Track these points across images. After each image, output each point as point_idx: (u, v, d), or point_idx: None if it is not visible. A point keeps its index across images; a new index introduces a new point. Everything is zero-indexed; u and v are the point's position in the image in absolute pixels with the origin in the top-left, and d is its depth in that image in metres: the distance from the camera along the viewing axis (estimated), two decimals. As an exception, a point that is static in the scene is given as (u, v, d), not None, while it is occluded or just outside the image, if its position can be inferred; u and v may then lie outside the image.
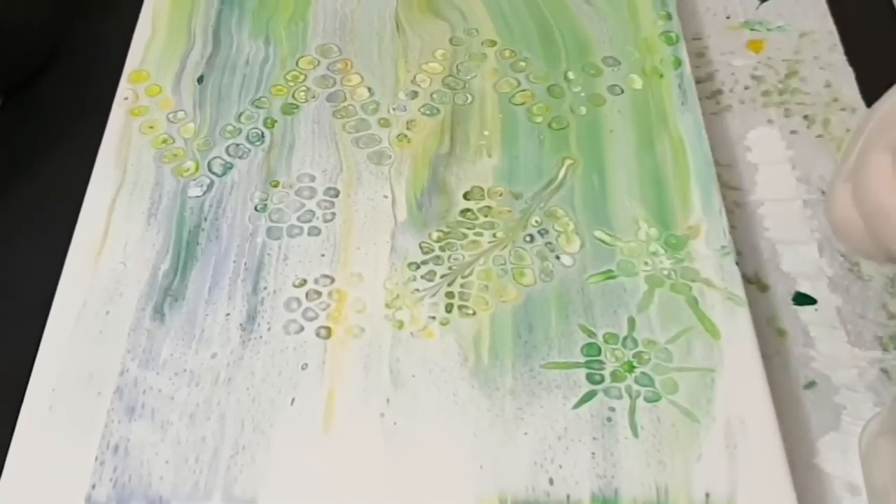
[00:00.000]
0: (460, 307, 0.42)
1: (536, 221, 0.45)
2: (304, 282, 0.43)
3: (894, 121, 0.32)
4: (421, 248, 0.44)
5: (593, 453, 0.38)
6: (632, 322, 0.41)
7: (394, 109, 0.49)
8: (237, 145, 0.48)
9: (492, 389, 0.40)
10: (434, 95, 0.50)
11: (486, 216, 0.45)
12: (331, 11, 0.54)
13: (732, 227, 0.47)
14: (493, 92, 0.50)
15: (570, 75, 0.51)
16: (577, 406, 0.39)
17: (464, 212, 0.45)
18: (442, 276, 0.43)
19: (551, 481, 0.37)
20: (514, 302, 0.42)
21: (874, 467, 0.39)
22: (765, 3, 0.58)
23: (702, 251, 0.43)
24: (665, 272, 0.43)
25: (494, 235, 0.44)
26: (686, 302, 0.42)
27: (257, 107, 0.50)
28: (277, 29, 0.53)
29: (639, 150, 0.47)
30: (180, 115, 0.49)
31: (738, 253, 0.45)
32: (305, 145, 0.48)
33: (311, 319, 0.42)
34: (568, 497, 0.37)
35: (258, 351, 0.41)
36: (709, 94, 0.54)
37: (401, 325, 0.41)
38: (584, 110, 0.49)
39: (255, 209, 0.46)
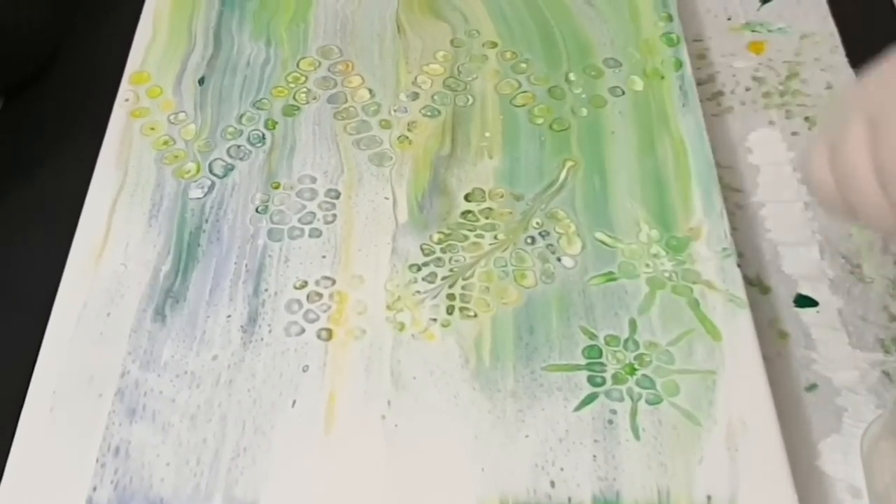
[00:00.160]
0: (461, 309, 0.42)
1: (537, 223, 0.45)
2: (305, 283, 0.43)
3: (874, 94, 0.34)
4: (422, 249, 0.44)
5: (594, 456, 0.38)
6: (633, 324, 0.41)
7: (395, 111, 0.49)
8: (238, 147, 0.48)
9: (493, 391, 0.40)
10: (435, 97, 0.50)
11: (487, 218, 0.45)
12: (332, 13, 0.54)
13: (734, 228, 0.47)
14: (494, 93, 0.50)
15: (571, 77, 0.51)
16: (578, 408, 0.39)
17: (465, 213, 0.45)
18: (443, 278, 0.43)
19: (552, 483, 0.37)
20: (515, 304, 0.42)
21: (876, 469, 0.39)
22: (766, 5, 0.58)
23: (703, 253, 0.43)
24: (666, 274, 0.43)
25: (495, 237, 0.44)
26: (687, 304, 0.42)
27: (258, 108, 0.50)
28: (278, 30, 0.53)
29: (640, 152, 0.47)
30: (181, 116, 0.49)
31: (740, 255, 0.45)
32: (306, 147, 0.48)
33: (312, 321, 0.42)
34: (569, 499, 0.37)
35: (259, 353, 0.41)
36: (710, 95, 0.54)
37: (402, 326, 0.41)
38: (585, 112, 0.49)
39: (256, 211, 0.46)
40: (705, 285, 0.42)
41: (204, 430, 0.39)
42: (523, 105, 0.50)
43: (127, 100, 0.50)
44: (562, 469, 0.38)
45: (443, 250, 0.44)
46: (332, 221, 0.45)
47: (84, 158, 0.48)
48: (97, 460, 0.38)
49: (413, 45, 0.53)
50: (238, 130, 0.49)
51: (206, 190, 0.46)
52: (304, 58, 0.52)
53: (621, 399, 0.39)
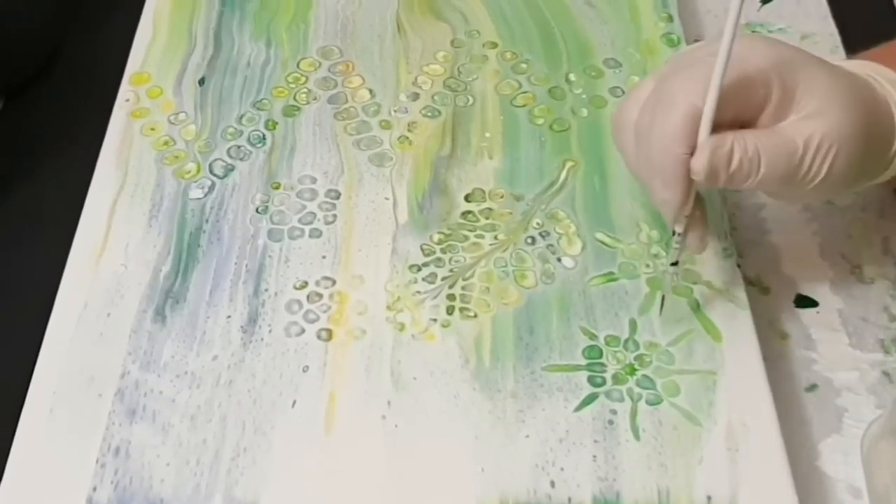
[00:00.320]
0: (461, 309, 0.42)
1: (538, 223, 0.45)
2: (306, 284, 0.43)
3: (680, 59, 0.38)
4: (422, 250, 0.44)
5: (595, 456, 0.38)
6: (633, 324, 0.41)
7: (395, 111, 0.49)
8: (238, 147, 0.48)
9: (493, 392, 0.40)
10: (435, 97, 0.50)
11: (487, 218, 0.45)
12: (332, 13, 0.54)
13: (734, 229, 0.47)
14: (495, 94, 0.50)
15: (572, 77, 0.51)
16: (578, 409, 0.39)
17: (465, 214, 0.45)
18: (443, 279, 0.43)
19: (553, 484, 0.37)
20: (515, 304, 0.42)
21: (876, 470, 0.39)
22: (766, 5, 0.58)
23: (703, 253, 0.43)
24: (665, 274, 0.43)
25: (496, 237, 0.44)
26: (688, 304, 0.42)
27: (258, 109, 0.50)
28: (278, 31, 0.53)
29: (640, 153, 0.47)
30: (181, 116, 0.49)
31: (740, 255, 0.45)
32: (307, 147, 0.48)
33: (313, 321, 0.42)
34: (569, 500, 0.37)
35: (259, 353, 0.41)
36: (710, 96, 0.54)
37: (402, 327, 0.41)
38: (585, 112, 0.49)
39: (257, 211, 0.46)
40: (706, 286, 0.42)
41: (204, 430, 0.39)
42: (523, 105, 0.50)
43: (127, 100, 0.50)
44: (562, 469, 0.38)
45: (443, 251, 0.44)
46: (333, 222, 0.45)
47: (84, 159, 0.48)
48: (97, 461, 0.38)
49: (413, 45, 0.53)
50: (238, 131, 0.49)
51: (206, 190, 0.46)
52: (304, 58, 0.52)
53: (621, 399, 0.39)
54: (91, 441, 0.38)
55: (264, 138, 0.48)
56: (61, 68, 0.56)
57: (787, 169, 0.36)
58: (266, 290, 0.43)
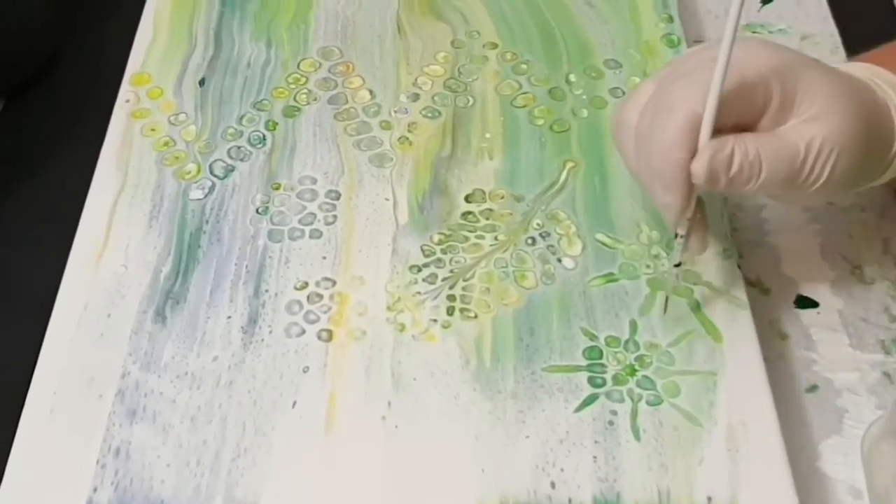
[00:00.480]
0: (462, 310, 0.42)
1: (538, 224, 0.45)
2: (306, 284, 0.43)
3: (680, 64, 0.38)
4: (422, 250, 0.44)
5: (595, 457, 0.38)
6: (633, 325, 0.41)
7: (395, 112, 0.49)
8: (238, 148, 0.48)
9: (493, 392, 0.40)
10: (435, 98, 0.50)
11: (487, 219, 0.45)
12: (332, 14, 0.54)
13: (734, 229, 0.47)
14: (495, 94, 0.50)
15: (572, 78, 0.51)
16: (578, 409, 0.39)
17: (465, 214, 0.45)
18: (443, 279, 0.43)
19: (553, 485, 0.37)
20: (515, 305, 0.42)
21: (876, 470, 0.39)
22: (767, 6, 0.58)
23: (704, 254, 0.43)
24: (667, 275, 0.43)
25: (496, 238, 0.44)
26: (688, 305, 0.42)
27: (259, 109, 0.50)
28: (279, 31, 0.53)
29: (640, 153, 0.47)
30: (182, 117, 0.49)
31: (740, 256, 0.45)
32: (307, 148, 0.48)
33: (313, 322, 0.42)
34: (570, 500, 0.37)
35: (259, 354, 0.41)
36: (710, 96, 0.54)
37: (402, 327, 0.41)
38: (585, 113, 0.49)
39: (257, 212, 0.46)
40: (706, 286, 0.42)
41: (204, 431, 0.39)
42: (524, 106, 0.50)
43: (128, 101, 0.50)
44: (562, 470, 0.38)
45: (443, 251, 0.44)
46: (333, 222, 0.45)
47: (85, 159, 0.48)
48: (97, 461, 0.38)
49: (413, 46, 0.53)
50: (238, 131, 0.49)
51: (206, 191, 0.46)
52: (304, 59, 0.52)
53: (622, 400, 0.39)
54: (91, 442, 0.38)
55: (264, 139, 0.48)
56: (62, 69, 0.57)
57: (788, 172, 0.36)
58: (266, 290, 0.43)
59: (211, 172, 0.47)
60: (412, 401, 0.39)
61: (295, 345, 0.41)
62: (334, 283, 0.43)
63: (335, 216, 0.45)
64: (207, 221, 0.45)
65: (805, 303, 0.45)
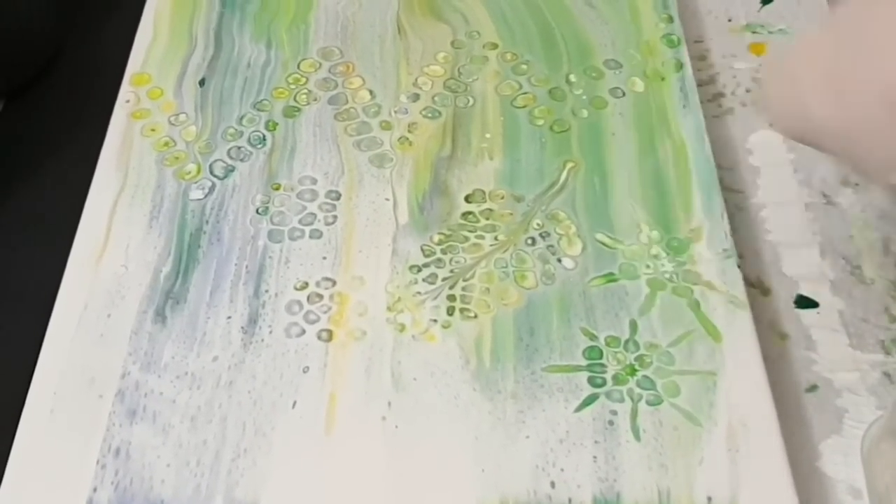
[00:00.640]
0: (462, 310, 0.42)
1: (538, 224, 0.45)
2: (306, 285, 0.43)
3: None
4: (422, 250, 0.44)
5: (595, 457, 0.38)
6: (633, 325, 0.41)
7: (395, 112, 0.49)
8: (239, 148, 0.48)
9: (493, 392, 0.40)
10: (436, 98, 0.50)
11: (487, 219, 0.45)
12: (332, 14, 0.54)
13: (734, 230, 0.47)
14: (495, 95, 0.50)
15: (572, 78, 0.51)
16: (578, 409, 0.39)
17: (465, 214, 0.45)
18: (443, 279, 0.43)
19: (553, 484, 0.37)
20: (515, 305, 0.42)
21: (876, 470, 0.39)
22: (766, 6, 0.58)
23: (704, 254, 0.43)
24: (667, 275, 0.43)
25: (496, 238, 0.44)
26: (688, 305, 0.42)
27: (259, 109, 0.50)
28: (279, 32, 0.53)
29: (640, 153, 0.47)
30: (182, 117, 0.49)
31: (740, 256, 0.45)
32: (307, 148, 0.48)
33: (313, 322, 0.42)
34: (570, 500, 0.37)
35: (259, 354, 0.41)
36: (710, 97, 0.54)
37: (402, 328, 0.41)
38: (585, 113, 0.49)
39: (257, 212, 0.46)
40: (706, 286, 0.42)
41: (204, 431, 0.39)
42: (524, 106, 0.50)
43: (128, 101, 0.50)
44: (562, 470, 0.38)
45: (443, 251, 0.44)
46: (333, 223, 0.45)
47: (85, 160, 0.48)
48: (98, 461, 0.38)
49: (414, 46, 0.53)
50: (239, 132, 0.49)
51: (206, 191, 0.46)
52: (304, 59, 0.52)
53: (622, 400, 0.39)
54: (91, 442, 0.38)
55: (264, 139, 0.48)
56: (62, 69, 0.57)
57: None
58: (266, 290, 0.43)
59: (211, 173, 0.47)
60: (412, 401, 0.39)
61: (295, 345, 0.41)
62: (334, 283, 0.43)
63: (335, 216, 0.45)
64: (207, 222, 0.45)
65: (805, 303, 0.45)
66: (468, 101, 0.50)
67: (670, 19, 0.53)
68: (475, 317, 0.42)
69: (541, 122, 0.49)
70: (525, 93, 0.50)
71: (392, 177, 0.47)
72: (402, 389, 0.40)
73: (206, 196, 0.46)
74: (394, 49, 0.52)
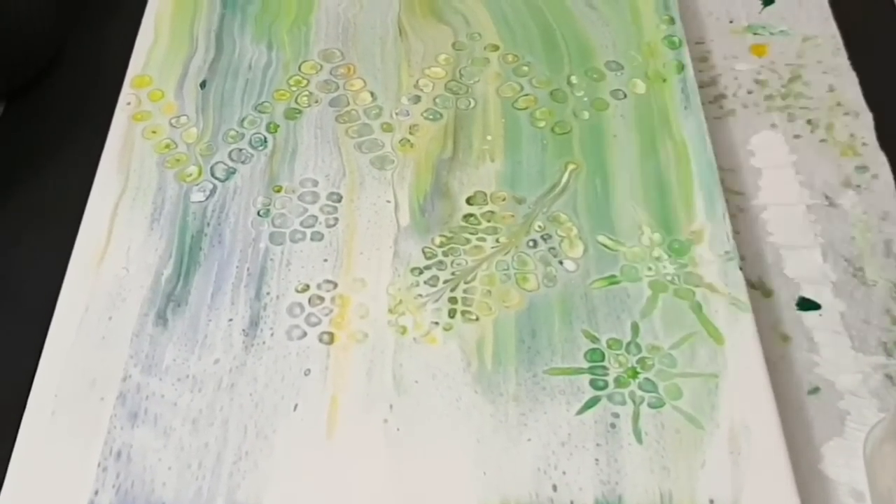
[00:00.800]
0: (463, 312, 0.42)
1: (539, 226, 0.45)
2: (307, 287, 0.43)
3: None
4: (424, 253, 0.44)
5: (597, 459, 0.38)
6: (635, 327, 0.41)
7: (396, 114, 0.49)
8: (240, 150, 0.48)
9: (495, 395, 0.40)
10: (437, 100, 0.50)
11: (489, 221, 0.45)
12: (333, 16, 0.54)
13: (736, 231, 0.47)
14: (496, 96, 0.50)
15: (573, 80, 0.51)
16: (580, 412, 0.39)
17: (467, 217, 0.45)
18: (445, 282, 0.43)
19: (555, 487, 0.37)
20: (517, 307, 0.42)
21: (878, 473, 0.39)
22: (768, 7, 0.58)
23: (705, 256, 0.43)
24: (669, 277, 0.43)
25: (497, 240, 0.44)
26: (690, 307, 0.42)
27: (260, 111, 0.50)
28: (280, 33, 0.53)
29: (642, 155, 0.47)
30: (183, 119, 0.49)
31: (742, 258, 0.45)
32: (308, 150, 0.48)
33: (314, 325, 0.42)
34: (571, 503, 0.37)
35: (261, 356, 0.41)
36: (712, 98, 0.54)
37: (404, 330, 0.41)
38: (587, 115, 0.49)
39: (258, 214, 0.45)
40: (708, 288, 0.42)
41: (206, 434, 0.39)
42: (525, 108, 0.50)
43: (128, 103, 0.50)
44: (564, 473, 0.37)
45: (444, 253, 0.44)
46: (334, 225, 0.45)
47: (85, 162, 0.48)
48: (99, 464, 0.38)
49: (415, 48, 0.53)
50: (240, 134, 0.49)
51: (207, 193, 0.46)
52: (305, 61, 0.52)
53: (623, 402, 0.39)
54: (93, 445, 0.38)
55: (266, 141, 0.48)
56: (63, 71, 0.57)
57: None
58: (268, 293, 0.43)
59: (212, 175, 0.47)
60: (414, 403, 0.39)
61: (296, 347, 0.41)
62: (336, 285, 0.43)
63: (336, 218, 0.45)
64: (209, 224, 0.45)
65: (807, 305, 0.45)
66: (469, 102, 0.50)
67: (671, 21, 0.53)
68: (477, 319, 0.42)
69: (542, 123, 0.49)
70: (526, 94, 0.50)
71: (393, 179, 0.47)
72: (404, 392, 0.40)
73: (207, 198, 0.46)
74: (395, 51, 0.52)
